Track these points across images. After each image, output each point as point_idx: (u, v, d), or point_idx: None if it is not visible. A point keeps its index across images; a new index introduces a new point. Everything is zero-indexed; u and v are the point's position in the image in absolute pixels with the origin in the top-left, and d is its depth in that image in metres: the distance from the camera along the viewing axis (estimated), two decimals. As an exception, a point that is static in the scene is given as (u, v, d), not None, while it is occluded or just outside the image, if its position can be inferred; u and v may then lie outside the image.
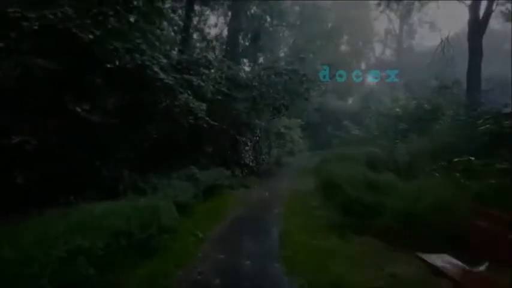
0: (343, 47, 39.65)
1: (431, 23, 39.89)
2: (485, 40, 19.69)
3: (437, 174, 9.40)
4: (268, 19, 26.69)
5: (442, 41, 19.85)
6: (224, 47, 23.59)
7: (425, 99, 17.44)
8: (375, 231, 6.48)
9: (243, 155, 15.59)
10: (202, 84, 10.32)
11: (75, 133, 7.21)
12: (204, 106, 10.20)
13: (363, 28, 40.61)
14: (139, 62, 7.95)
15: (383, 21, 49.42)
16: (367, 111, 24.21)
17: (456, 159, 9.10)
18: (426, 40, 46.22)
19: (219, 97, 13.24)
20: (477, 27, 19.37)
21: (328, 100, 33.49)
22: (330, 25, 30.43)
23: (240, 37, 25.90)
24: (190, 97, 9.57)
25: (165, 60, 9.05)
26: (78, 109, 6.90)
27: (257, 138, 16.85)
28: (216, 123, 11.33)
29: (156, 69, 8.42)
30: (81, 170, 7.36)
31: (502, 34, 34.73)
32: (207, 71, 12.90)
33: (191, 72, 11.29)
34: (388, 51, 45.55)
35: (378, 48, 45.85)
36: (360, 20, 39.18)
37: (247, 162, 15.78)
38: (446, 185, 7.13)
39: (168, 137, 9.89)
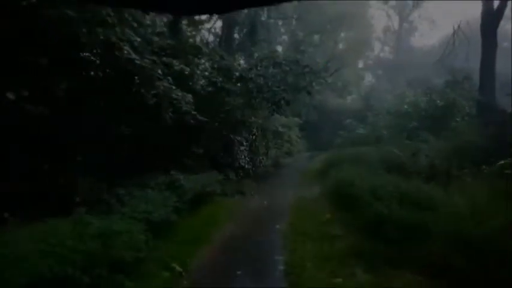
0: (341, 45, 37.81)
1: (431, 19, 38.23)
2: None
3: (468, 179, 7.64)
4: (265, 12, 24.85)
5: (454, 30, 18.00)
6: (218, 40, 21.69)
7: (438, 95, 15.63)
8: (420, 264, 4.61)
9: (237, 156, 13.69)
10: (187, 69, 8.41)
11: (12, 129, 5.29)
12: (189, 98, 8.31)
13: (361, 25, 38.85)
14: (101, 38, 6.01)
15: (382, 19, 47.85)
16: (372, 109, 22.39)
17: (502, 162, 7.31)
18: (426, 38, 44.73)
19: (210, 89, 11.33)
20: (491, 18, 17.70)
21: (327, 98, 31.64)
22: (328, 19, 28.54)
23: (236, 32, 24.02)
24: (173, 86, 7.64)
25: (138, 39, 7.11)
26: (11, 96, 4.97)
27: (254, 137, 14.95)
28: (205, 119, 9.43)
29: (126, 47, 6.49)
30: (20, 178, 5.44)
31: (502, 32, 33.22)
32: (196, 60, 11.01)
33: (176, 60, 9.41)
34: (387, 49, 43.93)
35: (376, 46, 44.20)
36: (357, 16, 37.48)
37: (243, 164, 13.88)
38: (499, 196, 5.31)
39: (145, 135, 7.94)
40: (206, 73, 11.71)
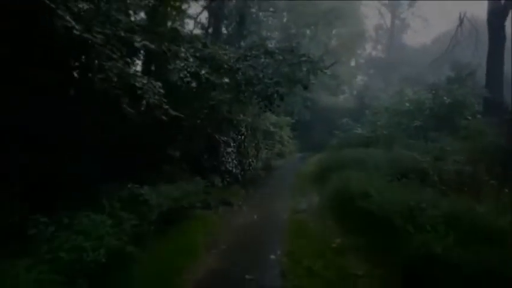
0: (334, 41, 36.16)
1: (424, 17, 36.91)
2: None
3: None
4: (255, 5, 22.98)
5: (461, 19, 16.40)
6: (204, 32, 19.72)
7: (445, 91, 14.00)
8: None
9: (224, 159, 11.77)
10: (151, 46, 6.51)
11: None
12: (158, 87, 6.37)
13: (353, 22, 37.30)
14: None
15: (374, 17, 46.44)
16: (369, 107, 20.71)
17: None
18: (419, 35, 43.56)
19: (191, 81, 9.41)
20: (498, 9, 16.18)
21: (319, 97, 29.94)
22: (321, 14, 26.76)
23: (223, 26, 22.09)
24: (133, 69, 5.72)
25: (85, 6, 5.14)
26: None
27: (242, 137, 13.05)
28: (181, 115, 7.52)
29: (62, 14, 4.53)
30: None
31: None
32: (174, 47, 9.06)
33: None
34: (379, 48, 42.50)
35: (368, 44, 42.70)
36: (350, 12, 35.92)
37: (230, 168, 11.98)
38: None
39: (97, 133, 5.96)
40: (187, 62, 9.75)
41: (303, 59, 10.43)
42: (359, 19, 39.03)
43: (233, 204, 9.38)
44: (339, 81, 33.11)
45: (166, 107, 6.89)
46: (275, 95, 9.83)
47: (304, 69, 10.50)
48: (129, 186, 5.94)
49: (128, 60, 5.86)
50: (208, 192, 9.81)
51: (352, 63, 40.53)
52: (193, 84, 10.07)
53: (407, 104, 15.72)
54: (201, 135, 10.71)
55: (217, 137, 11.20)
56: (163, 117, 6.95)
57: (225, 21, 22.78)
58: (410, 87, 20.40)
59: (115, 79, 5.15)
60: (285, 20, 26.45)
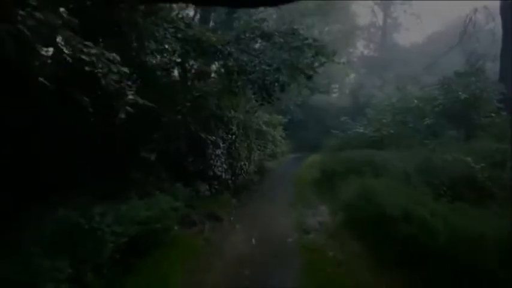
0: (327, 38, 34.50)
1: (417, 15, 35.60)
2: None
3: None
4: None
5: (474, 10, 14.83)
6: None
7: (461, 86, 12.34)
8: None
9: (212, 162, 9.81)
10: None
11: None
12: (117, 62, 4.41)
13: (346, 19, 35.77)
14: None
15: (366, 16, 45.00)
16: (367, 105, 19.00)
17: None
18: (411, 34, 42.39)
19: (169, 66, 7.45)
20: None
21: (313, 95, 28.09)
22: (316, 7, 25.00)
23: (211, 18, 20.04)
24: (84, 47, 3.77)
25: None
26: None
27: (233, 137, 11.12)
28: (153, 106, 5.58)
29: None
30: None
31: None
32: (150, 26, 7.14)
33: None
34: (371, 46, 40.98)
35: (360, 43, 41.15)
36: (340, 10, 34.35)
37: (219, 173, 10.02)
38: None
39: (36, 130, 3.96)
40: (167, 45, 7.77)
41: (307, 41, 8.54)
42: (350, 16, 37.54)
43: (223, 220, 7.44)
44: (330, 79, 31.47)
45: (132, 97, 4.92)
46: (275, 84, 7.90)
47: (309, 54, 8.61)
48: (60, 211, 3.90)
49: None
50: (191, 206, 7.90)
51: (343, 61, 38.87)
52: (175, 72, 8.12)
53: (415, 101, 14.02)
54: (185, 134, 8.75)
55: (204, 136, 9.25)
56: (128, 109, 4.98)
57: (213, 14, 20.80)
58: (407, 85, 18.86)
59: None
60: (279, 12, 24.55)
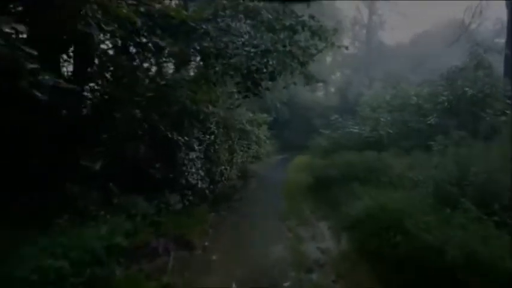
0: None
1: (403, 13, 34.55)
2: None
3: None
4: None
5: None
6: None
7: (470, 82, 10.92)
8: None
9: (184, 168, 7.97)
10: None
11: None
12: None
13: (331, 16, 34.40)
14: None
15: (350, 12, 43.81)
16: (362, 103, 17.52)
17: None
18: (397, 33, 41.57)
19: (122, 45, 5.59)
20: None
21: (297, 93, 26.48)
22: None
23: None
24: None
25: None
26: None
27: (212, 137, 9.30)
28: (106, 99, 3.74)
29: None
30: None
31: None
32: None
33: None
34: (356, 44, 39.75)
35: (345, 41, 39.86)
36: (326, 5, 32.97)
37: (194, 181, 8.20)
38: None
39: None
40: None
41: (302, 19, 6.78)
42: (334, 13, 36.18)
43: (195, 247, 5.62)
44: (317, 76, 29.98)
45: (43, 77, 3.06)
46: (263, 71, 6.13)
47: (308, 36, 6.84)
48: None
49: None
50: (156, 225, 6.08)
51: (329, 60, 37.65)
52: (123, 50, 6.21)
53: (414, 98, 12.56)
54: (150, 134, 6.90)
55: (174, 137, 7.40)
56: (38, 94, 3.11)
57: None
58: (400, 83, 17.54)
59: None
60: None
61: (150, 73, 6.57)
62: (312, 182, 9.97)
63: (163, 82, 6.34)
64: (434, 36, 33.80)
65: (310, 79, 7.06)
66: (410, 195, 5.22)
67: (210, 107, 8.82)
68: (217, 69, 6.31)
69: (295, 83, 7.87)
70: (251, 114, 16.69)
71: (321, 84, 35.00)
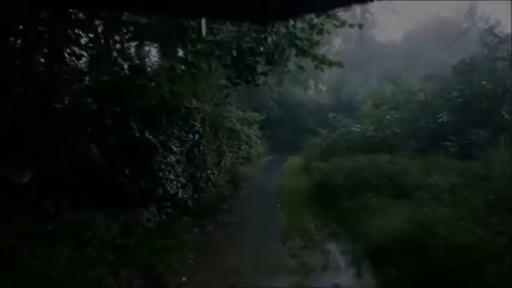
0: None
1: (395, 11, 33.62)
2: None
3: None
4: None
5: None
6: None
7: (487, 73, 9.70)
8: None
9: (162, 174, 6.47)
10: None
11: None
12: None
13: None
14: None
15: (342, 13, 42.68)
16: (361, 100, 16.26)
17: None
18: (389, 30, 40.72)
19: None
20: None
21: (289, 91, 25.14)
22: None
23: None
24: None
25: None
26: None
27: (196, 137, 7.81)
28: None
29: None
30: None
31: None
32: None
33: None
34: (348, 42, 38.67)
35: (337, 40, 38.77)
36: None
37: (173, 190, 6.71)
38: None
39: None
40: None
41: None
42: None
43: (168, 285, 4.13)
44: (308, 75, 28.73)
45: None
46: (259, 51, 4.68)
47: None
48: None
49: None
50: (118, 251, 4.60)
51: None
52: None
53: (421, 94, 11.31)
54: (113, 133, 5.39)
55: (147, 136, 5.90)
56: None
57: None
58: (395, 80, 16.37)
59: None
60: None
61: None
62: (312, 189, 8.57)
63: (128, 64, 4.82)
64: (426, 33, 33.13)
65: (322, 62, 5.61)
66: (460, 215, 3.84)
67: (194, 102, 7.35)
68: (199, 47, 4.84)
69: (302, 67, 6.35)
70: (241, 113, 15.28)
71: (311, 82, 34.11)
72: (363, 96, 17.03)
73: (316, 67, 5.91)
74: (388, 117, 11.18)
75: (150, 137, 5.99)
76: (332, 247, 5.13)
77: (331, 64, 5.83)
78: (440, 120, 9.85)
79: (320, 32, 5.32)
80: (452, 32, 31.92)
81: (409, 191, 6.23)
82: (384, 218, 4.95)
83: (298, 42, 5.14)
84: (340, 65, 5.90)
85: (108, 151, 5.35)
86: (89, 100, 4.37)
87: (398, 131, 10.42)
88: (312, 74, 31.61)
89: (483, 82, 9.51)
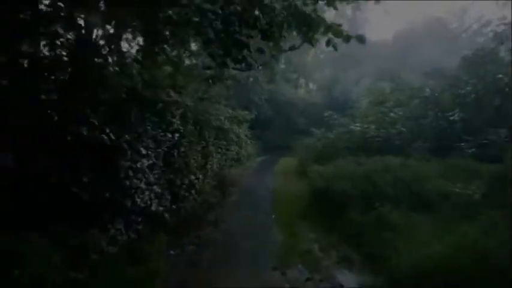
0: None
1: (386, 10, 32.79)
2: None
3: None
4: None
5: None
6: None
7: (503, 67, 8.71)
8: None
9: (129, 183, 5.18)
10: None
11: None
12: None
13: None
14: None
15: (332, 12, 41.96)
16: (360, 97, 15.19)
17: None
18: (379, 30, 40.13)
19: None
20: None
21: (279, 90, 23.96)
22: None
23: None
24: None
25: None
26: None
27: (175, 136, 6.51)
28: None
29: None
30: None
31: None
32: None
33: None
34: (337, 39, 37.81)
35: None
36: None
37: (143, 202, 5.43)
38: None
39: None
40: None
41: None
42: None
43: None
44: (298, 73, 27.67)
45: None
46: (252, 22, 3.45)
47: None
48: None
49: None
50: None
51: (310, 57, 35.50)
52: None
53: (427, 90, 10.27)
54: (69, 132, 4.10)
55: (109, 135, 4.61)
56: None
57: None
58: (395, 77, 15.42)
59: None
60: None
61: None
62: (311, 197, 7.37)
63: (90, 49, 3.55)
64: (417, 33, 32.64)
65: (337, 33, 4.39)
66: None
67: (173, 94, 6.08)
68: (173, 17, 3.57)
69: (312, 43, 5.08)
70: (230, 111, 14.03)
71: (302, 80, 33.05)
72: (357, 94, 15.97)
73: (328, 43, 4.72)
74: (392, 114, 10.10)
75: (112, 136, 4.70)
76: (346, 278, 3.94)
77: (349, 38, 4.64)
78: (451, 118, 8.82)
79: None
80: (443, 32, 31.56)
81: (430, 202, 5.17)
82: (413, 239, 3.83)
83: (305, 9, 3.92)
84: (361, 40, 4.68)
85: (54, 155, 4.08)
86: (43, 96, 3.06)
87: (403, 129, 9.34)
88: (302, 72, 30.67)
89: (499, 75, 8.51)
